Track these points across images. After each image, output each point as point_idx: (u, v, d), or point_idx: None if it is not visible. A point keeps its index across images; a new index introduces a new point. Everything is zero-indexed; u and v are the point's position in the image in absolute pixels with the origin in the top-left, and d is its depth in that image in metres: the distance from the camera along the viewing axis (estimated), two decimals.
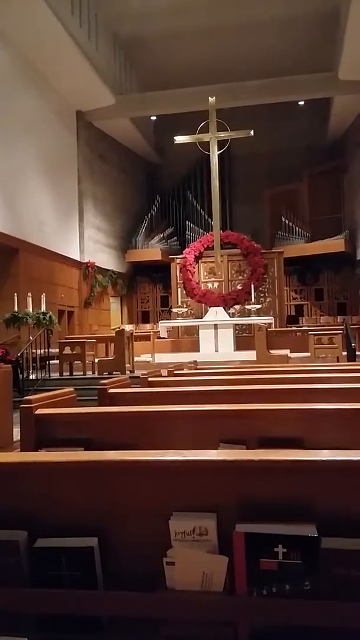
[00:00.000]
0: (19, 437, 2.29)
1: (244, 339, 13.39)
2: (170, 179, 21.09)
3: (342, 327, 11.36)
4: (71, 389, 2.57)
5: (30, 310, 10.37)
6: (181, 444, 1.74)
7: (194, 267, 15.07)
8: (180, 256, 15.55)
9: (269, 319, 12.93)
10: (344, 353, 10.27)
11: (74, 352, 10.47)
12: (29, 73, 13.40)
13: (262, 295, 14.89)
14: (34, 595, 1.36)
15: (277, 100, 16.47)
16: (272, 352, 10.62)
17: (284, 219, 18.76)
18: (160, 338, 13.78)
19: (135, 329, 16.04)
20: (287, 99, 16.56)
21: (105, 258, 17.50)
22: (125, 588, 1.34)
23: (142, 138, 18.97)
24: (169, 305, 18.80)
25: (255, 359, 10.38)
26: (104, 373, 9.87)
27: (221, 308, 13.76)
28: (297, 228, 18.62)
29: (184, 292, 15.03)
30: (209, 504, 1.36)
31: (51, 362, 10.52)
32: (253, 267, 14.77)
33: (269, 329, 11.32)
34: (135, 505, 1.41)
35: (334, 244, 17.75)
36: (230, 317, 13.76)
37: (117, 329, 11.24)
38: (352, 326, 11.63)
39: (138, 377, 3.64)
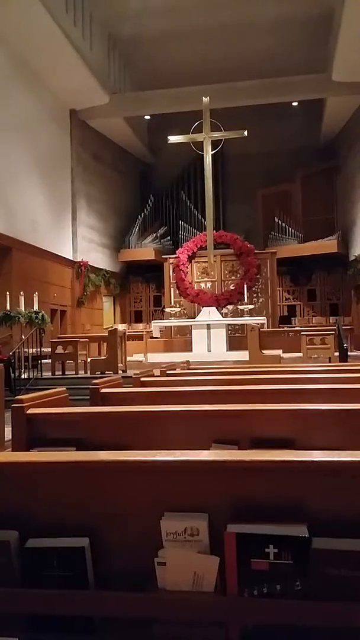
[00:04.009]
0: (10, 437, 2.28)
1: (236, 339, 13.40)
2: (164, 178, 21.08)
3: (334, 327, 11.40)
4: (63, 388, 2.57)
5: (23, 309, 10.33)
6: (173, 444, 1.74)
7: (187, 267, 15.07)
8: (174, 256, 15.54)
9: (262, 319, 12.94)
10: (336, 353, 10.30)
11: (66, 352, 10.44)
12: (22, 71, 13.35)
13: (254, 295, 14.91)
14: (25, 595, 1.36)
15: (270, 101, 16.49)
16: (265, 352, 10.64)
17: (277, 220, 18.80)
18: (153, 338, 13.77)
19: (128, 329, 16.03)
20: (281, 99, 16.59)
21: (98, 257, 17.47)
22: (117, 588, 1.34)
23: (135, 137, 18.96)
24: (161, 305, 18.80)
25: (247, 359, 10.39)
26: (96, 373, 9.84)
27: (214, 308, 13.77)
28: (290, 229, 18.66)
29: (177, 292, 15.03)
30: (201, 504, 1.36)
31: (43, 361, 10.48)
32: (246, 268, 14.79)
33: (261, 329, 11.33)
34: (126, 505, 1.41)
35: (327, 245, 17.81)
36: (223, 317, 13.77)
37: (110, 329, 11.22)
38: (344, 327, 11.68)
39: (130, 377, 3.63)
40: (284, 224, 18.74)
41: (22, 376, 9.80)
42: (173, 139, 13.42)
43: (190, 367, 5.58)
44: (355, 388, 2.74)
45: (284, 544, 1.26)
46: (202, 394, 2.90)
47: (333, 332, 10.91)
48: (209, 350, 12.69)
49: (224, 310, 14.51)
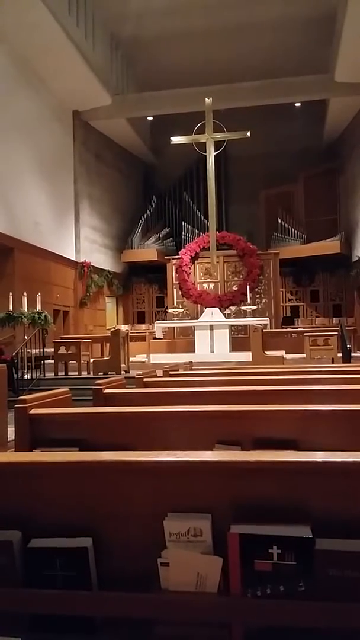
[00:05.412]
0: (13, 437, 2.28)
1: (239, 340, 13.39)
2: (167, 179, 21.09)
3: (338, 328, 11.38)
4: (66, 389, 2.57)
5: (26, 309, 10.34)
6: (176, 444, 1.74)
7: (189, 268, 15.07)
8: (176, 257, 15.55)
9: (265, 320, 12.93)
10: (339, 354, 10.29)
11: (69, 352, 10.46)
12: (25, 72, 13.37)
13: (257, 296, 14.90)
14: (28, 595, 1.35)
15: (273, 102, 16.49)
16: (268, 353, 10.63)
17: (279, 220, 18.79)
18: (155, 338, 13.77)
19: (131, 329, 16.03)
20: (284, 100, 16.58)
21: (101, 258, 17.49)
22: (120, 589, 1.34)
23: (138, 138, 18.97)
24: (164, 306, 18.81)
25: (250, 360, 10.38)
26: (99, 373, 9.86)
27: (217, 309, 13.76)
28: (292, 229, 18.64)
29: (180, 292, 15.02)
30: (204, 504, 1.35)
31: (46, 361, 10.49)
32: (249, 268, 14.78)
33: (264, 330, 11.32)
34: (129, 505, 1.41)
35: (330, 246, 17.79)
36: (225, 318, 13.76)
37: (113, 329, 11.23)
38: (347, 327, 11.66)
39: (133, 377, 3.63)
40: (286, 225, 18.72)
41: (25, 377, 9.81)
42: (176, 139, 13.43)
43: (193, 367, 5.58)
44: (359, 389, 2.73)
45: (288, 545, 1.26)
46: (205, 394, 2.89)
47: (336, 333, 10.89)
48: (212, 351, 12.68)
49: (227, 311, 14.50)
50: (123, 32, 15.81)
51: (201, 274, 15.33)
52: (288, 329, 16.11)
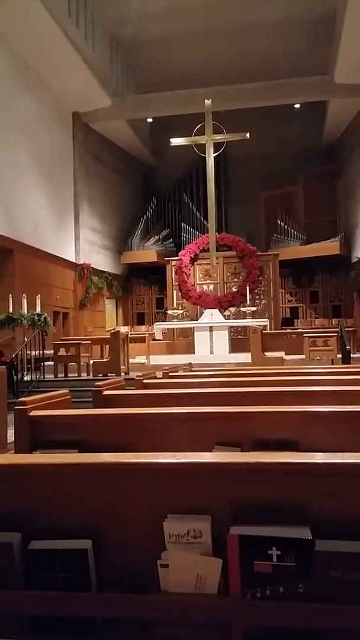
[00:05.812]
0: (13, 439, 2.28)
1: (239, 341, 13.39)
2: (166, 180, 21.10)
3: (337, 329, 11.38)
4: (66, 390, 2.57)
5: (25, 311, 10.34)
6: (176, 446, 1.74)
7: (189, 269, 15.07)
8: (176, 258, 15.55)
9: (264, 321, 12.93)
10: (339, 355, 10.28)
11: (68, 354, 10.45)
12: (25, 74, 13.38)
13: (257, 297, 14.90)
14: (28, 597, 1.35)
15: (273, 103, 16.50)
16: (267, 354, 10.63)
17: (279, 222, 18.79)
18: (155, 340, 13.77)
19: (131, 331, 16.03)
20: (283, 101, 16.60)
21: (100, 259, 17.49)
22: (119, 590, 1.34)
23: (138, 140, 18.98)
24: (164, 307, 18.81)
25: (250, 361, 10.38)
26: (99, 375, 9.85)
27: (216, 310, 13.76)
28: (292, 230, 18.65)
29: (180, 294, 15.02)
30: (204, 506, 1.35)
31: (46, 363, 10.49)
32: (248, 270, 14.78)
33: (264, 331, 11.32)
34: (129, 507, 1.41)
35: (329, 247, 17.79)
36: (225, 319, 13.76)
37: (112, 331, 11.23)
38: (346, 329, 11.66)
39: (133, 379, 3.63)
40: (286, 226, 18.73)
41: (25, 378, 9.80)
42: (175, 141, 13.43)
43: (193, 369, 5.58)
44: (358, 390, 2.74)
45: (287, 546, 1.26)
46: (205, 396, 2.89)
47: (336, 334, 10.89)
48: (212, 352, 12.68)
49: (227, 312, 14.50)
50: (123, 34, 15.83)
51: (201, 275, 15.34)
52: (287, 330, 16.09)
